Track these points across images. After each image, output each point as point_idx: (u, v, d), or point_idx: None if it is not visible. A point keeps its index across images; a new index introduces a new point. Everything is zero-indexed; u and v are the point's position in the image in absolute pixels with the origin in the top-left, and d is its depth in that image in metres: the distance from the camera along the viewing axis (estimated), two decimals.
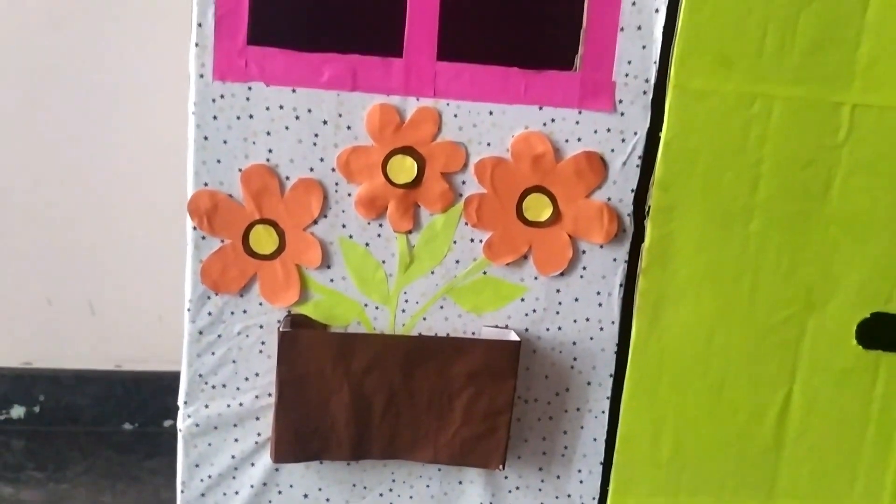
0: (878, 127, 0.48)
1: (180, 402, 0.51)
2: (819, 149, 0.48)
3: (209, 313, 0.50)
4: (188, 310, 0.50)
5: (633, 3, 0.48)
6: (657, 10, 0.48)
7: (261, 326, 0.50)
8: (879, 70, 0.47)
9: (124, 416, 0.88)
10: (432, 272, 0.50)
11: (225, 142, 0.48)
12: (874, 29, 0.46)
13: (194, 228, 0.49)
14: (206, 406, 0.51)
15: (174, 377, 0.51)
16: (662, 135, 0.48)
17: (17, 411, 0.87)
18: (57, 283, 0.87)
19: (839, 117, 0.48)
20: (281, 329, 0.49)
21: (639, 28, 0.48)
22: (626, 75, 0.48)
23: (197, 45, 0.47)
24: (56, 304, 0.87)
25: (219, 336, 0.50)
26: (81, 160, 0.83)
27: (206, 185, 0.48)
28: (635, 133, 0.49)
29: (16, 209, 0.83)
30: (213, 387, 0.51)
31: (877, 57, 0.47)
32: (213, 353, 0.50)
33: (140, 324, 0.88)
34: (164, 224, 0.80)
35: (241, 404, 0.51)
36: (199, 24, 0.47)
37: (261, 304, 0.50)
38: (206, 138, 0.48)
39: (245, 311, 0.50)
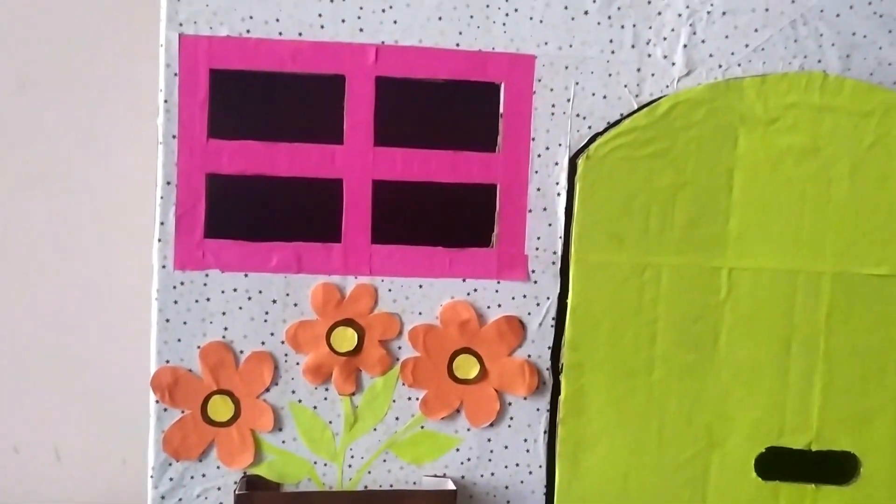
0: (753, 286, 0.55)
1: None
2: (704, 307, 0.55)
3: (170, 479, 0.54)
4: (151, 476, 0.54)
5: (538, 189, 0.56)
6: (559, 194, 0.56)
7: (219, 489, 0.55)
8: (748, 239, 0.55)
9: None
10: (375, 429, 0.56)
11: (185, 323, 0.54)
12: (740, 205, 0.55)
13: (157, 402, 0.54)
14: None
15: None
16: (569, 301, 0.55)
17: None
18: (23, 431, 0.89)
19: (719, 280, 0.55)
20: (237, 492, 0.53)
21: (544, 209, 0.56)
22: (537, 249, 0.56)
23: (160, 240, 0.53)
24: (23, 451, 0.90)
25: (179, 500, 0.54)
26: (49, 315, 0.87)
27: (167, 361, 0.54)
28: (548, 298, 0.56)
29: None
30: None
31: (745, 227, 0.55)
32: None
33: (104, 467, 0.91)
34: (126, 370, 0.85)
35: None
36: (162, 223, 0.53)
37: (218, 467, 0.55)
38: (167, 321, 0.54)
39: (204, 475, 0.54)
